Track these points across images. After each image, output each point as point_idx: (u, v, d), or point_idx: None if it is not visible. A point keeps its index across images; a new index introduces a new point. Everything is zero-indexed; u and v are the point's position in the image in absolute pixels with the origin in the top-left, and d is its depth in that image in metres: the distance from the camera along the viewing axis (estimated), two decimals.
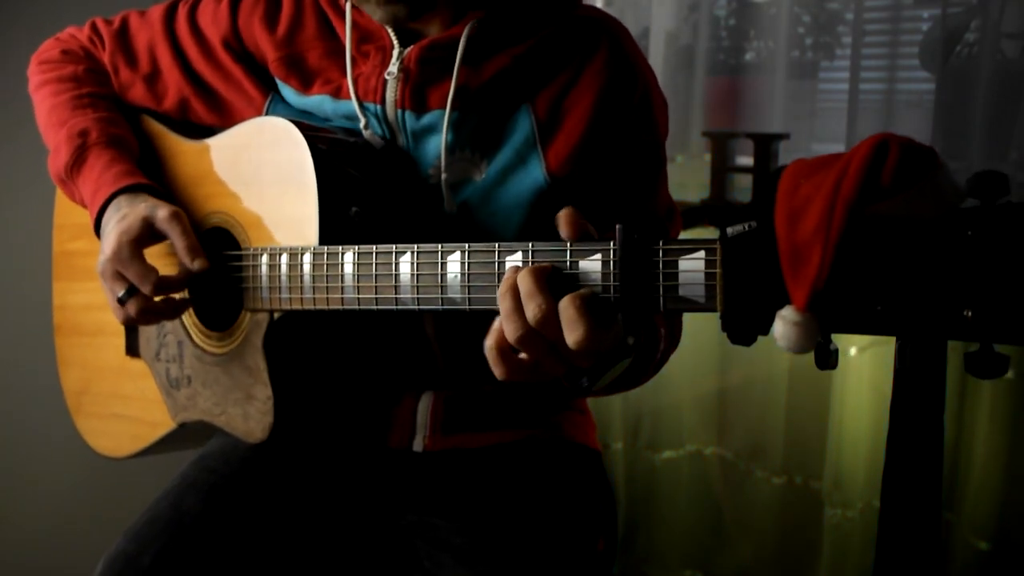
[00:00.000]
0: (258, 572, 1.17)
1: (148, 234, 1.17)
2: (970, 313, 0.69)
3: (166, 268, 1.22)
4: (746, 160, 1.90)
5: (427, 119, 1.15)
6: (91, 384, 1.43)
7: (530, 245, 0.89)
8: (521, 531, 1.19)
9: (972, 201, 0.71)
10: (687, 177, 2.06)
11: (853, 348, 1.86)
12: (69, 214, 1.43)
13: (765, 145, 1.84)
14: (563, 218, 0.88)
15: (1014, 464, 1.75)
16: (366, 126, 1.17)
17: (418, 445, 1.24)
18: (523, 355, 0.88)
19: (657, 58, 2.12)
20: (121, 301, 1.16)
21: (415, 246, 0.96)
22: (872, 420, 1.86)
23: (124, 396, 1.37)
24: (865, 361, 1.86)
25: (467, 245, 0.93)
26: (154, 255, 1.19)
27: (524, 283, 0.86)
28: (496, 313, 0.89)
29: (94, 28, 1.37)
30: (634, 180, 1.18)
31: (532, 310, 0.85)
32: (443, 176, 1.14)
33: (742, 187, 1.91)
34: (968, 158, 1.73)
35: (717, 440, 2.14)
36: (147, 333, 1.31)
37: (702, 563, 2.18)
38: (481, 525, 1.19)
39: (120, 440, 1.39)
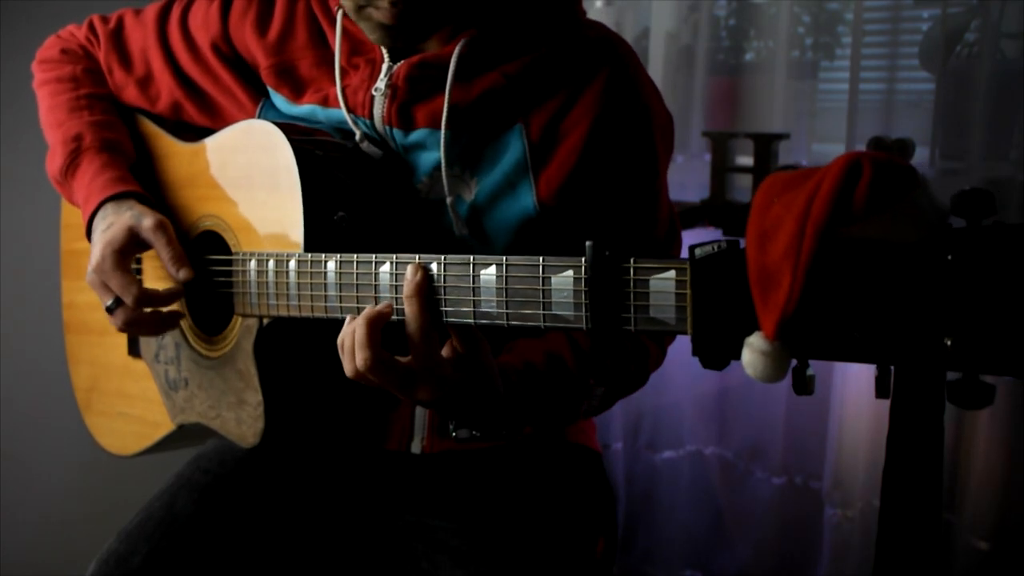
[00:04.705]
0: (252, 573, 1.18)
1: (133, 244, 1.16)
2: (950, 342, 0.65)
3: (158, 275, 1.22)
4: (746, 160, 1.90)
5: (415, 136, 1.14)
6: (99, 381, 1.44)
7: (504, 259, 0.89)
8: (520, 532, 1.19)
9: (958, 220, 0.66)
10: (687, 177, 2.05)
11: None
12: (76, 214, 1.43)
13: (765, 145, 1.84)
14: None
15: (1014, 464, 1.74)
16: (362, 138, 1.15)
17: (416, 447, 1.24)
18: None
19: (657, 58, 2.12)
20: (109, 310, 1.16)
21: (394, 256, 0.96)
22: (872, 420, 1.85)
23: (129, 395, 1.38)
24: None
25: (443, 257, 0.93)
26: (148, 259, 1.19)
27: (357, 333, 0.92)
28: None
29: (91, 27, 1.38)
30: (629, 209, 1.15)
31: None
32: (448, 199, 1.12)
33: (742, 187, 1.91)
34: (968, 158, 1.72)
35: (717, 440, 2.14)
36: None
37: (702, 563, 2.18)
38: (480, 526, 1.19)
39: (126, 439, 1.40)
